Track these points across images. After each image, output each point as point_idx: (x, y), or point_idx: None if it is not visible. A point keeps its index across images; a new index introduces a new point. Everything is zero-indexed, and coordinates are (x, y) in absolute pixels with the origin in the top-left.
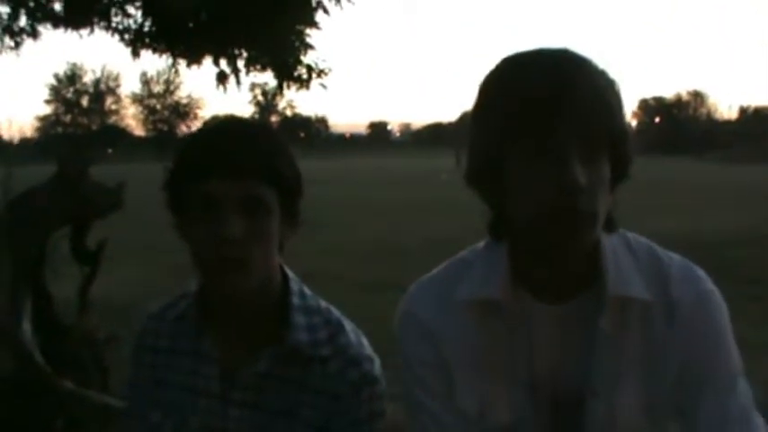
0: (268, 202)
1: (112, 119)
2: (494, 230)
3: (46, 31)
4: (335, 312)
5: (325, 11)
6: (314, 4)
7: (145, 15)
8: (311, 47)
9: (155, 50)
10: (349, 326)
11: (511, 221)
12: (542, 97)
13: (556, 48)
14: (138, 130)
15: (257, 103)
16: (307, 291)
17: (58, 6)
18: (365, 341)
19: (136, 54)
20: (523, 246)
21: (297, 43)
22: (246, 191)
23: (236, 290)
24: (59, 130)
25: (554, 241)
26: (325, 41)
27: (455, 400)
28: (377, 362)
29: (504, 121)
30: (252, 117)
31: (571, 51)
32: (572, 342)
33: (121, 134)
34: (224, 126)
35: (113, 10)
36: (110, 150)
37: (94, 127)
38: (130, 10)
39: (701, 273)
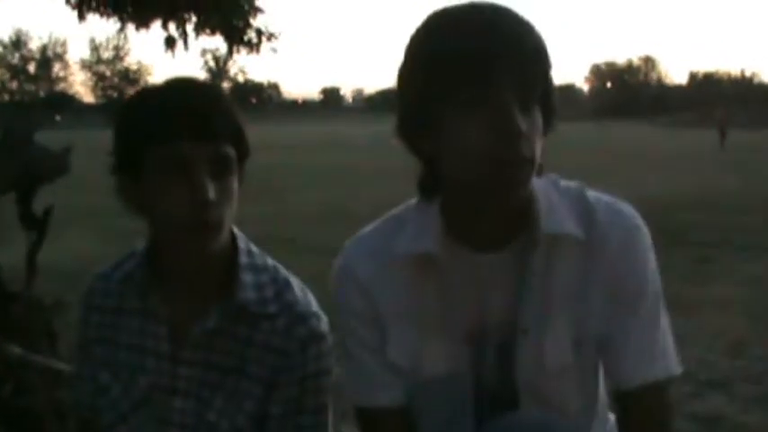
0: (233, 162)
1: (60, 85)
2: (424, 187)
3: None
4: (283, 270)
5: None
6: None
7: None
8: (260, 10)
9: (102, 14)
10: (296, 283)
11: (445, 175)
12: (482, 46)
13: (487, 2)
14: (88, 97)
15: (209, 70)
16: (254, 249)
17: None
18: (312, 298)
19: (82, 17)
20: (460, 199)
21: (246, 6)
22: (216, 152)
23: (208, 251)
24: (6, 97)
25: (497, 190)
26: (277, 5)
27: (387, 354)
28: (324, 319)
29: (441, 71)
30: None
31: (502, 6)
32: (510, 286)
33: (69, 101)
34: (184, 87)
35: None
36: (58, 117)
37: (42, 94)
38: None
39: (627, 208)
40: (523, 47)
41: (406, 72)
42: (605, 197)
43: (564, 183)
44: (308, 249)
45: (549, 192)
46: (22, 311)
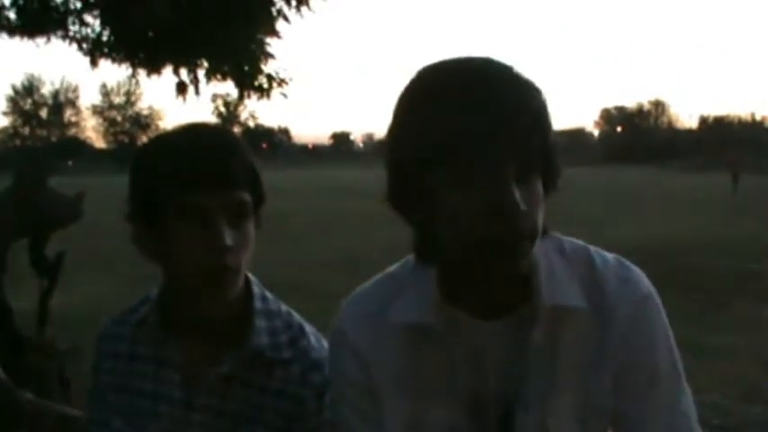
0: (250, 208)
1: (72, 131)
2: (421, 254)
3: (1, 40)
4: (297, 316)
5: (286, 19)
6: (274, 12)
7: (103, 25)
8: (271, 56)
9: (114, 60)
10: (310, 330)
11: (440, 245)
12: (478, 115)
13: (480, 58)
14: (99, 143)
15: (219, 114)
16: (268, 295)
17: (13, 15)
18: (327, 345)
19: (94, 63)
20: (455, 269)
21: (257, 52)
22: (233, 199)
23: (225, 298)
24: (18, 142)
25: (493, 266)
26: (286, 51)
27: (384, 426)
28: None
29: (432, 139)
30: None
31: (496, 63)
32: (510, 356)
33: (81, 146)
34: (200, 134)
35: (70, 19)
36: (70, 163)
37: (54, 139)
38: (88, 19)
39: (637, 275)
40: (522, 115)
41: (395, 135)
42: (613, 262)
43: (570, 245)
44: (320, 296)
45: (552, 259)
46: (35, 357)
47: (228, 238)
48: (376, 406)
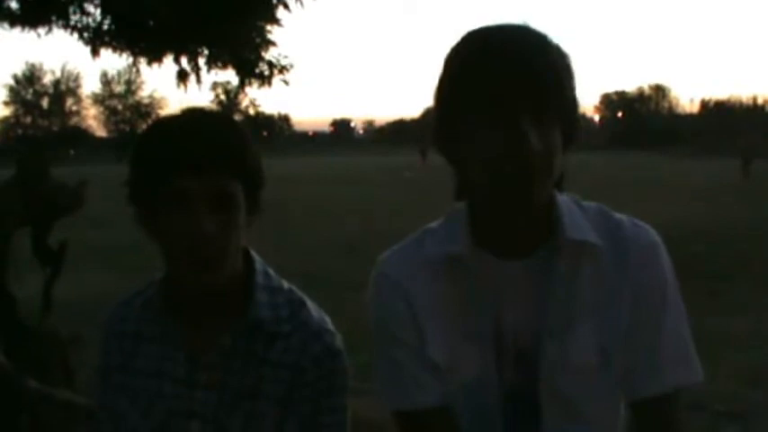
0: (237, 196)
1: (73, 120)
2: (458, 195)
3: (2, 30)
4: (298, 292)
5: (287, 7)
6: (275, 0)
7: (104, 13)
8: (272, 43)
9: (114, 49)
10: (311, 304)
11: (469, 183)
12: (496, 69)
13: (515, 24)
14: (100, 131)
15: (219, 103)
16: (271, 272)
17: (14, 5)
18: (327, 318)
19: (95, 53)
20: (483, 206)
21: (258, 40)
22: (218, 187)
23: (209, 284)
24: (19, 132)
25: (510, 197)
26: (286, 38)
27: (427, 350)
28: (339, 337)
29: (464, 91)
30: (213, 108)
31: (529, 27)
32: (533, 294)
33: (83, 135)
34: (191, 119)
35: (71, 8)
36: (71, 152)
37: (55, 128)
38: (89, 8)
39: (649, 228)
40: (535, 65)
41: (438, 86)
42: (626, 216)
43: (585, 203)
44: (319, 282)
45: (570, 206)
46: (39, 346)
47: (208, 226)
48: (418, 336)
